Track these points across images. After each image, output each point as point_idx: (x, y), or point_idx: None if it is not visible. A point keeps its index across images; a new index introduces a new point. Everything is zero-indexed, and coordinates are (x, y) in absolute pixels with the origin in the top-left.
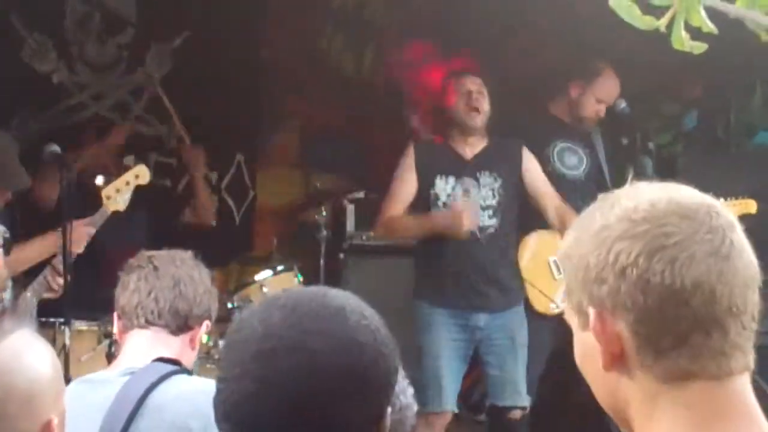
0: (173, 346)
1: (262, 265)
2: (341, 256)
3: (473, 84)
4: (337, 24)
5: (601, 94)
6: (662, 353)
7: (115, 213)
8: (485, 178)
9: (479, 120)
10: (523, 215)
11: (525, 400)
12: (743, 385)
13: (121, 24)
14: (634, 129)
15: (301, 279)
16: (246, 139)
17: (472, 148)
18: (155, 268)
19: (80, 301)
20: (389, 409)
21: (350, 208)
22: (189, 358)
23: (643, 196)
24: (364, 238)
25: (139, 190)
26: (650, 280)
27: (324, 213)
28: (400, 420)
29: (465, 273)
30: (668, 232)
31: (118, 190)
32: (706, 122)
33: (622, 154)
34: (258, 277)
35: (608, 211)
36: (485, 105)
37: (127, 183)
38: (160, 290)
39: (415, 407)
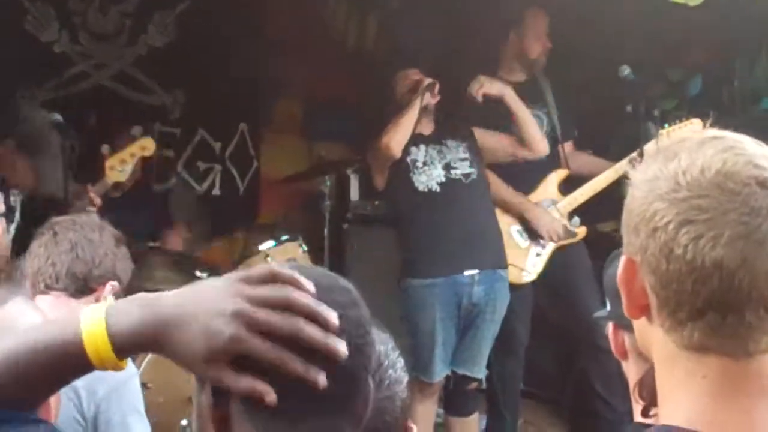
0: (75, 309)
1: (267, 235)
2: (345, 225)
3: (416, 75)
4: None
5: (537, 29)
6: (680, 322)
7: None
8: (451, 142)
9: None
10: None
11: (482, 373)
12: (765, 365)
13: None
14: (639, 95)
15: (305, 249)
16: (249, 109)
17: (428, 128)
18: (54, 234)
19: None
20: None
21: (354, 178)
22: None
23: (701, 157)
24: (368, 207)
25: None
26: (674, 250)
27: (328, 183)
28: (390, 397)
29: (457, 223)
30: (703, 206)
31: (122, 161)
32: (710, 88)
33: (627, 121)
34: (262, 246)
35: (666, 162)
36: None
37: (132, 155)
38: (57, 255)
39: (406, 379)
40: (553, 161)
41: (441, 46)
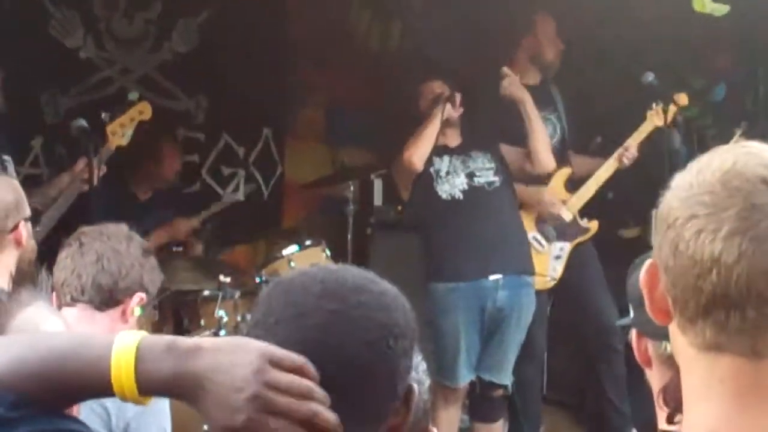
0: (100, 321)
1: (290, 239)
2: (368, 231)
3: (439, 88)
4: None
5: (548, 33)
6: (690, 320)
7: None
8: (476, 153)
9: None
10: None
11: (508, 380)
12: None
13: None
14: (662, 102)
15: (328, 254)
16: (273, 114)
17: (454, 140)
18: (81, 245)
19: None
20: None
21: (378, 183)
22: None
23: (718, 160)
24: (391, 213)
25: (167, 166)
26: (678, 245)
27: (351, 188)
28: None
29: (480, 230)
30: (706, 202)
31: (122, 126)
32: (734, 94)
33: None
34: (286, 251)
35: (691, 168)
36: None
37: (132, 119)
38: (82, 266)
39: (427, 382)
40: (563, 161)
41: (464, 49)
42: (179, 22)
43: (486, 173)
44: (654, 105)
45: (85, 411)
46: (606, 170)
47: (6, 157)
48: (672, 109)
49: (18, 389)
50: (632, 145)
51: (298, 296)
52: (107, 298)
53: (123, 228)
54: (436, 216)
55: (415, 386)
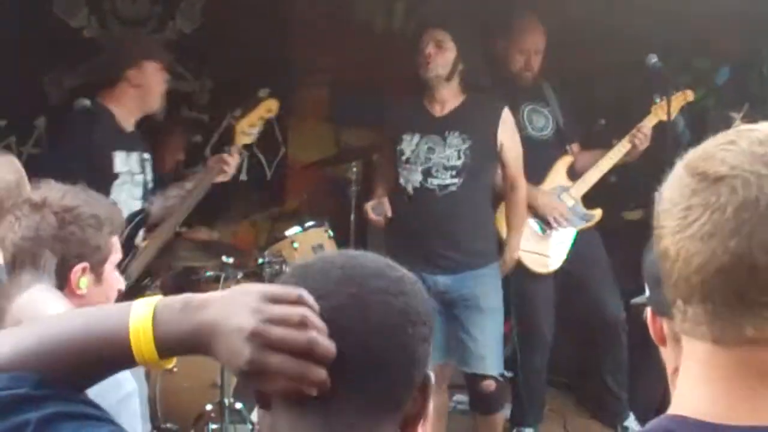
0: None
1: (293, 220)
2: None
3: (431, 37)
4: None
5: (522, 44)
6: (678, 308)
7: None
8: (453, 139)
9: (431, 72)
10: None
11: (493, 369)
12: None
13: None
14: (666, 84)
15: (331, 234)
16: (276, 95)
17: (442, 105)
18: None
19: None
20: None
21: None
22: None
23: (707, 146)
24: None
25: (170, 147)
26: (664, 229)
27: (355, 168)
28: None
29: (424, 231)
30: (696, 190)
31: (252, 125)
32: (738, 77)
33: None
34: (288, 232)
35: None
36: (443, 57)
37: (261, 117)
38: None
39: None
40: (558, 152)
41: (469, 27)
42: (183, 1)
43: (443, 174)
44: (658, 100)
45: None
46: (611, 158)
47: (146, 156)
48: (678, 101)
49: (40, 370)
50: (639, 137)
51: (317, 281)
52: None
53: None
54: (394, 201)
55: (432, 375)
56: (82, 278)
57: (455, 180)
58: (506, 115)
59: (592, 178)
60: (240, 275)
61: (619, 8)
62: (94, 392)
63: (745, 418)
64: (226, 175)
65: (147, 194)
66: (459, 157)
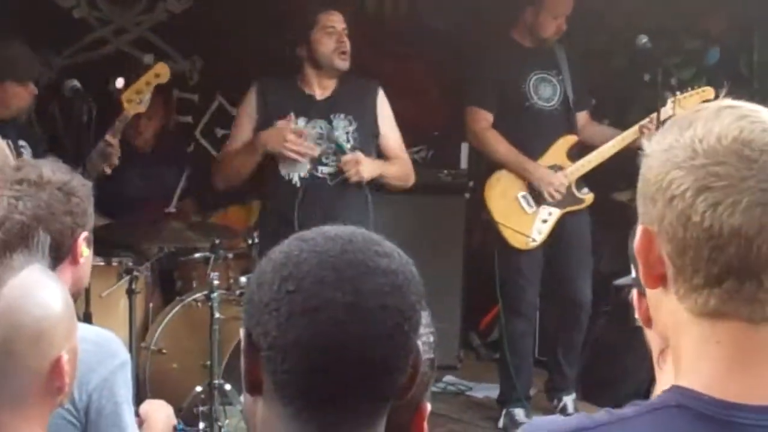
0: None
1: None
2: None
3: (340, 22)
4: None
5: (555, 9)
6: (695, 289)
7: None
8: (339, 121)
9: (348, 64)
10: None
11: None
12: None
13: None
14: (656, 65)
15: None
16: (268, 75)
17: (323, 90)
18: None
19: (99, 239)
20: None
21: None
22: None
23: (717, 125)
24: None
25: (161, 130)
26: (691, 217)
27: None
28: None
29: (313, 217)
30: (720, 173)
31: (138, 92)
32: (728, 58)
33: (645, 90)
34: None
35: (682, 131)
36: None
37: (148, 83)
38: None
39: (429, 355)
40: (564, 125)
41: (459, 11)
42: None
43: (333, 161)
44: (669, 101)
45: None
46: (613, 146)
47: (22, 143)
48: (697, 97)
49: None
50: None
51: (311, 290)
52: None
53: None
54: (273, 196)
55: (420, 345)
56: (84, 247)
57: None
58: (382, 95)
59: (591, 162)
60: (230, 256)
61: None
62: (91, 361)
63: (760, 398)
64: (113, 159)
65: None
66: (348, 141)
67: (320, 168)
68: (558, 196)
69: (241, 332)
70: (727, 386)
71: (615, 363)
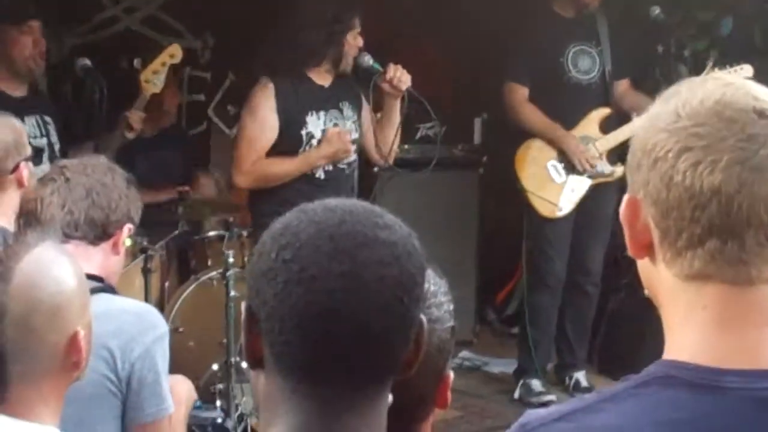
0: (95, 256)
1: None
2: (375, 169)
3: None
4: None
5: None
6: (679, 252)
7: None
8: (347, 110)
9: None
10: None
11: None
12: None
13: None
14: (669, 36)
15: None
16: None
17: (325, 80)
18: (67, 180)
19: None
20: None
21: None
22: (114, 265)
23: (701, 91)
24: (398, 151)
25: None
26: (673, 177)
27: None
28: (428, 331)
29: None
30: (701, 133)
31: (155, 72)
32: (742, 29)
33: (658, 61)
34: None
35: (668, 99)
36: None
37: (163, 64)
38: (72, 202)
39: (450, 323)
40: (602, 98)
41: None
42: None
43: (351, 149)
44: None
45: (91, 355)
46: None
47: (47, 119)
48: (731, 73)
49: None
50: None
51: (308, 257)
52: (101, 233)
53: (103, 160)
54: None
55: (424, 319)
56: (126, 238)
57: (355, 156)
58: (365, 101)
59: (621, 135)
60: (245, 233)
61: None
62: (133, 331)
63: (747, 361)
64: (134, 132)
65: (53, 157)
66: (356, 130)
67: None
68: (589, 167)
69: (242, 305)
70: (713, 352)
71: (633, 335)
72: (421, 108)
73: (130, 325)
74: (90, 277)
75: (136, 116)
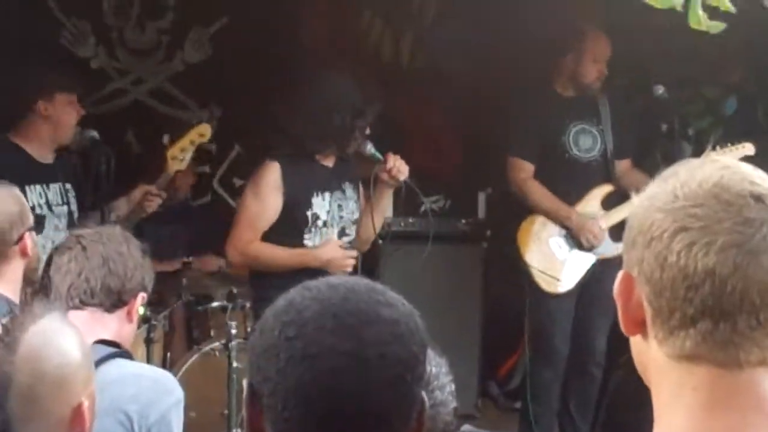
0: (110, 323)
1: None
2: (380, 241)
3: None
4: (375, 9)
5: (596, 54)
6: (671, 332)
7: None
8: (349, 191)
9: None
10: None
11: None
12: (758, 377)
13: (161, 9)
14: (673, 114)
15: None
16: None
17: (329, 161)
18: (83, 248)
19: None
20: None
21: (389, 195)
22: (128, 332)
23: (699, 173)
24: (402, 224)
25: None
26: (668, 257)
27: None
28: (432, 416)
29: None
30: (698, 215)
31: (182, 150)
32: (746, 107)
33: (662, 139)
34: None
35: (666, 180)
36: None
37: (191, 142)
38: (89, 270)
39: (453, 405)
40: (603, 176)
41: (475, 60)
42: (191, 32)
43: (352, 229)
44: (704, 156)
45: (109, 420)
46: None
47: (68, 186)
48: (736, 153)
49: None
50: None
51: (312, 337)
52: (116, 300)
53: (118, 229)
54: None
55: (426, 397)
56: (140, 306)
57: (353, 235)
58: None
59: (624, 212)
60: (248, 305)
61: (627, 38)
62: (151, 396)
63: None
64: (153, 207)
65: (71, 224)
66: (357, 210)
67: (344, 239)
68: (596, 243)
69: (244, 383)
70: None
71: (635, 412)
72: (423, 184)
73: (148, 390)
74: (106, 342)
75: (155, 200)
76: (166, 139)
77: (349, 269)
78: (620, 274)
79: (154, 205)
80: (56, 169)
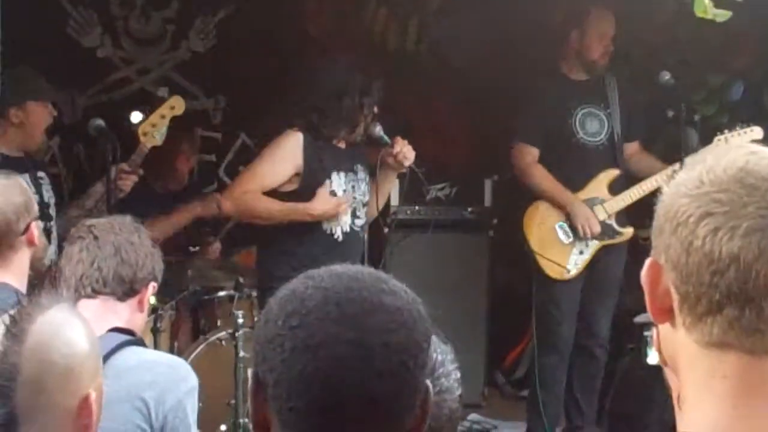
0: (122, 312)
1: None
2: (386, 230)
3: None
4: None
5: (601, 30)
6: (699, 318)
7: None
8: (361, 173)
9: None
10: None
11: None
12: None
13: None
14: (679, 101)
15: None
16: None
17: (341, 143)
18: (95, 238)
19: None
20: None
21: (395, 182)
22: (139, 321)
23: (725, 158)
24: (408, 212)
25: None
26: (693, 242)
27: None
28: (438, 403)
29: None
30: (722, 200)
31: (153, 125)
32: (751, 93)
33: (668, 126)
34: None
35: (693, 166)
36: None
37: (163, 116)
38: (102, 259)
39: (458, 392)
40: (610, 160)
41: (480, 47)
42: (197, 21)
43: (363, 212)
44: (716, 140)
45: (126, 406)
46: (650, 184)
47: (40, 174)
48: (744, 138)
49: None
50: None
51: (315, 325)
52: (128, 289)
53: (129, 220)
54: (320, 252)
55: (430, 385)
56: (151, 295)
57: (365, 218)
58: None
59: (631, 196)
60: (254, 294)
61: (633, 26)
62: (167, 382)
63: None
64: (127, 185)
65: (45, 214)
66: (368, 191)
67: (356, 221)
68: (590, 233)
69: (249, 372)
70: (731, 427)
71: (642, 400)
72: (429, 171)
73: (164, 376)
74: (120, 330)
75: (129, 178)
76: (136, 116)
77: (345, 216)
78: (647, 262)
79: (129, 183)
80: (26, 161)
